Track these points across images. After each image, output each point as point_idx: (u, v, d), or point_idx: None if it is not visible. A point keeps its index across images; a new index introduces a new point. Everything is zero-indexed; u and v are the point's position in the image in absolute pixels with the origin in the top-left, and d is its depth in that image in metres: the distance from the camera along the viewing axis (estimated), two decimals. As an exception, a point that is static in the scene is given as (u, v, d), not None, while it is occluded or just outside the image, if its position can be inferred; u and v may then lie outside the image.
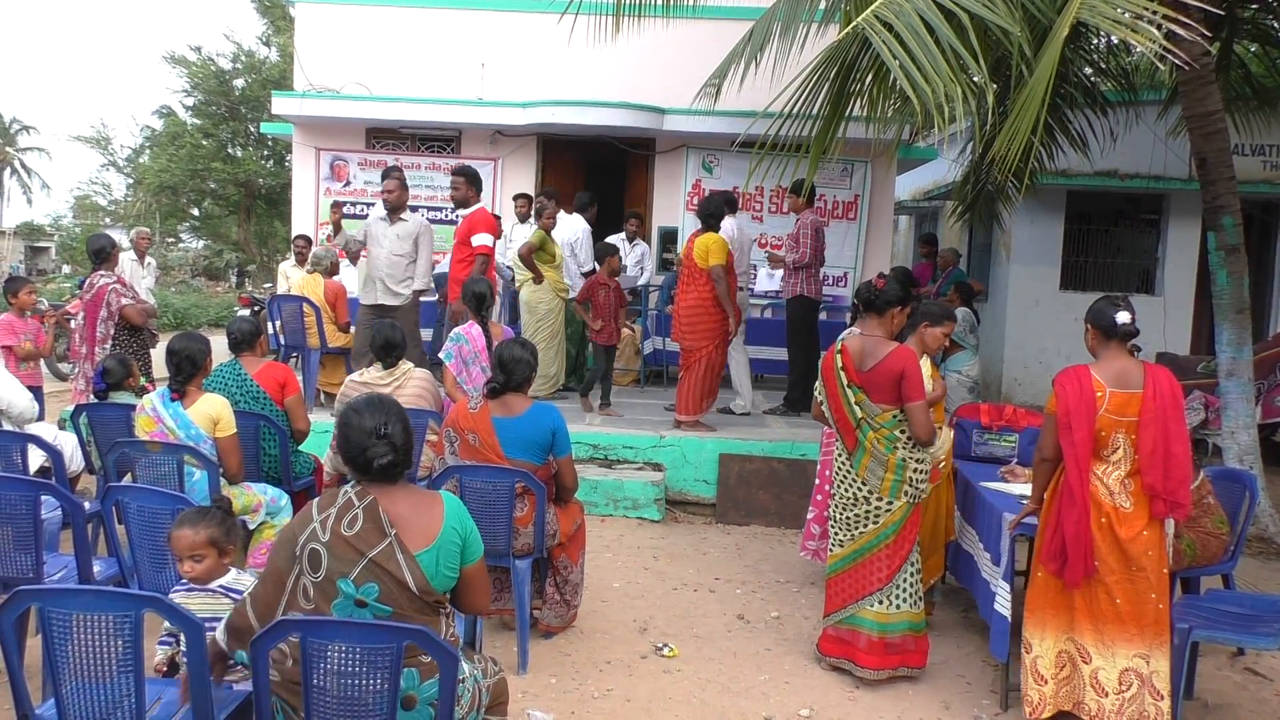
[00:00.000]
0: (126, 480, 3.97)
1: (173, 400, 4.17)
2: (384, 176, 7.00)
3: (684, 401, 6.72)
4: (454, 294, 7.03)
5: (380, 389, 5.04)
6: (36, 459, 4.58)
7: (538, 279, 7.58)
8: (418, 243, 7.00)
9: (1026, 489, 4.16)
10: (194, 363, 4.20)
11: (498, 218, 8.13)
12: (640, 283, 8.99)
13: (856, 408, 3.92)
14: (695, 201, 8.89)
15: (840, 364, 3.97)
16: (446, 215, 9.37)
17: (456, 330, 5.52)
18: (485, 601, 2.64)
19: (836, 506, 4.07)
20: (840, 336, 4.26)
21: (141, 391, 5.32)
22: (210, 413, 4.16)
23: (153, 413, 4.17)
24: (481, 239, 6.77)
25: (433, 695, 2.35)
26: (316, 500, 2.47)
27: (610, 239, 8.51)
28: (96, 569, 3.58)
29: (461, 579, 2.50)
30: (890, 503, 3.90)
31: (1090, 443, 3.44)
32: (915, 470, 3.92)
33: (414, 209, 9.26)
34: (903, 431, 3.89)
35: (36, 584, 3.20)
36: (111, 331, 6.27)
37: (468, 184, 6.97)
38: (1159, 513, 3.43)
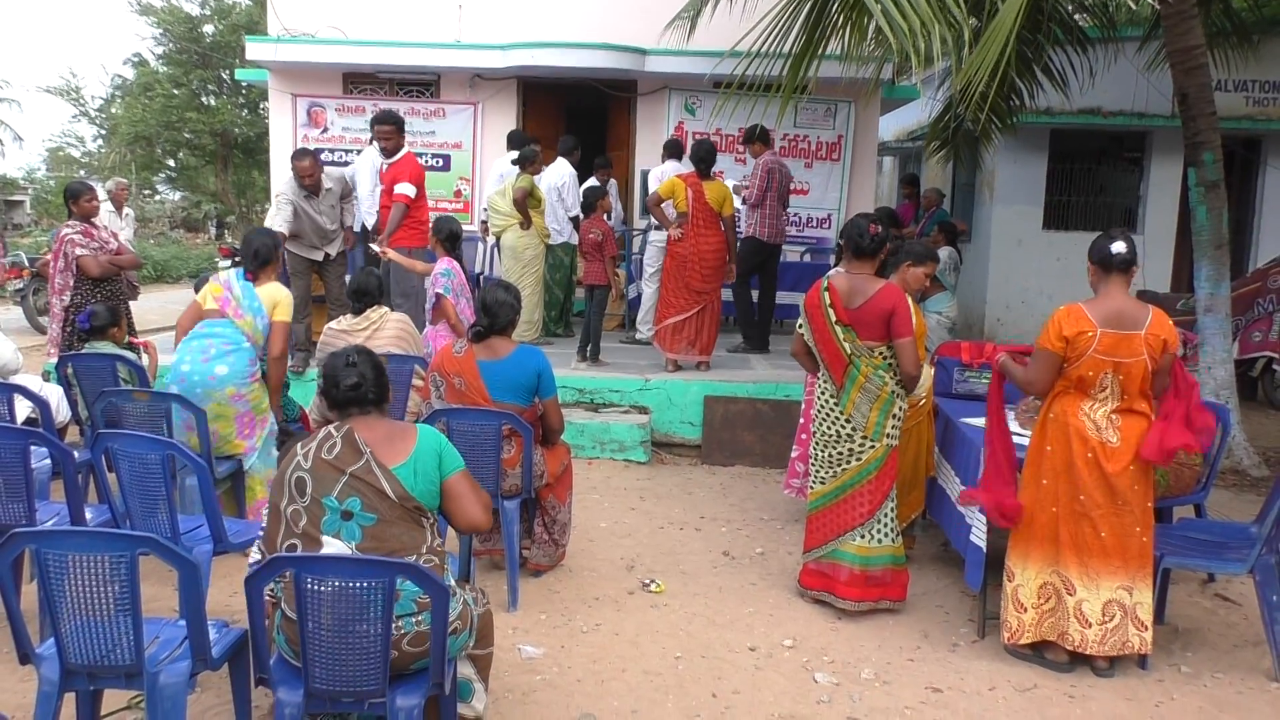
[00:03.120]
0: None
1: (245, 279, 4.55)
2: (296, 157, 6.61)
3: (711, 341, 6.97)
4: None
5: (358, 334, 5.06)
6: (23, 411, 4.59)
7: (525, 224, 7.56)
8: (338, 204, 6.84)
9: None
10: (262, 257, 4.56)
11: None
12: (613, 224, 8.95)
13: (846, 344, 3.96)
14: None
15: (828, 301, 3.99)
16: (426, 161, 9.27)
17: (444, 265, 5.52)
18: (477, 513, 2.69)
19: (818, 444, 4.12)
20: (825, 276, 4.29)
21: (128, 346, 5.31)
22: (274, 296, 4.55)
23: (225, 283, 4.55)
24: (403, 188, 6.53)
25: (417, 592, 2.46)
26: (300, 440, 2.64)
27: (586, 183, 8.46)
28: (88, 516, 3.62)
29: (445, 492, 2.64)
30: (873, 443, 3.97)
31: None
32: (901, 409, 3.98)
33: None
34: (888, 368, 3.94)
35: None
36: (70, 283, 6.09)
37: (398, 132, 6.71)
38: (1150, 455, 3.47)
